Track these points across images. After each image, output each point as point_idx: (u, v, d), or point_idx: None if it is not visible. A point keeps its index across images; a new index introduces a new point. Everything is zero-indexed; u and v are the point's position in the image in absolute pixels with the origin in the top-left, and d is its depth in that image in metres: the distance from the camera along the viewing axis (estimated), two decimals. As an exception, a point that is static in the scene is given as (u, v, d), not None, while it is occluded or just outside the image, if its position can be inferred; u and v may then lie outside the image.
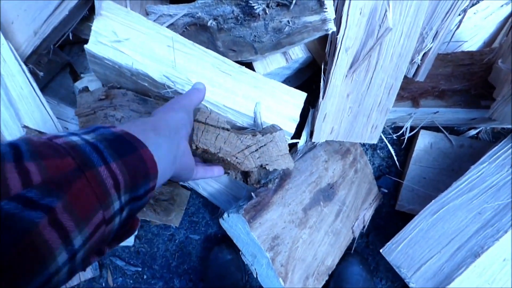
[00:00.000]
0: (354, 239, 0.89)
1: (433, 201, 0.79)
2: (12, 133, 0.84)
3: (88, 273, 1.11)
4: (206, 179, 0.84)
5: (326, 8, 0.62)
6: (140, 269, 1.12)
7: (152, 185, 0.34)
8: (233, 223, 0.74)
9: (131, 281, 1.12)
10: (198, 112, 0.66)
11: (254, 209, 0.73)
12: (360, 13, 0.70)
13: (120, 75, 0.76)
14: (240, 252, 0.78)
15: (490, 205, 0.72)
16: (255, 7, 0.61)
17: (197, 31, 0.75)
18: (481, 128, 0.89)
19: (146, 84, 0.75)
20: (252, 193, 0.75)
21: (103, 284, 1.14)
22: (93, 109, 0.83)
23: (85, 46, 0.71)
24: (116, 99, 0.81)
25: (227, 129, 0.66)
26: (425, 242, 0.77)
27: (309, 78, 1.02)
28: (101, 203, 0.26)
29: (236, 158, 0.66)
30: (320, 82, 0.78)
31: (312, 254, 0.78)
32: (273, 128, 0.70)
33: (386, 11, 0.68)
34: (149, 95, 0.79)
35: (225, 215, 0.75)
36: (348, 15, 0.69)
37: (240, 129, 0.77)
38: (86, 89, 0.91)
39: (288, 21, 0.63)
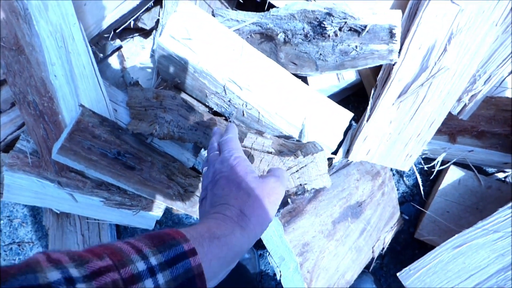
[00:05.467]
0: (372, 258, 0.93)
1: (456, 235, 0.82)
2: (69, 108, 0.89)
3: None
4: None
5: (395, 40, 0.66)
6: (157, 253, 1.16)
7: None
8: (266, 225, 0.78)
9: (147, 264, 1.16)
10: (245, 137, 0.68)
11: (290, 214, 0.77)
12: (419, 48, 0.74)
13: (183, 70, 0.80)
14: (268, 253, 0.82)
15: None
16: (327, 29, 0.65)
17: (262, 39, 0.79)
18: (510, 173, 0.93)
19: (206, 82, 0.80)
20: (288, 199, 0.79)
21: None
22: (144, 107, 0.87)
23: (158, 39, 0.76)
24: (166, 101, 0.85)
25: (271, 153, 0.69)
26: (443, 274, 0.80)
27: (348, 96, 1.06)
28: None
29: None
30: (359, 102, 0.82)
31: (335, 266, 0.82)
32: (314, 148, 0.74)
33: (445, 50, 0.72)
34: (203, 103, 0.83)
35: (260, 216, 0.78)
36: (408, 48, 0.73)
37: (285, 138, 0.82)
38: (136, 83, 0.96)
39: (356, 46, 0.67)
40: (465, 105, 0.79)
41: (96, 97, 0.92)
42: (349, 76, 0.85)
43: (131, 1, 0.91)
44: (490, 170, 0.96)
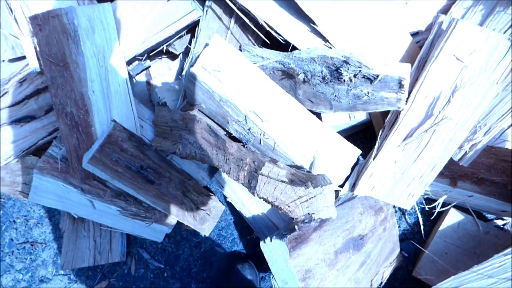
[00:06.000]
0: (370, 291, 0.96)
1: (452, 277, 0.85)
2: (101, 121, 0.97)
3: (116, 257, 1.20)
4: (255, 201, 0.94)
5: (404, 91, 0.73)
6: (162, 266, 1.21)
7: None
8: (273, 248, 0.83)
9: (152, 275, 1.21)
10: (263, 166, 0.75)
11: (296, 240, 0.82)
12: (426, 97, 0.81)
13: (210, 98, 0.89)
14: (271, 276, 0.86)
15: (506, 293, 0.79)
16: (343, 75, 0.73)
17: (283, 76, 0.87)
18: (509, 221, 0.97)
19: (229, 110, 0.88)
20: (296, 226, 0.84)
21: (125, 271, 1.23)
22: (169, 127, 0.95)
23: (191, 69, 0.85)
24: (191, 124, 0.93)
25: (285, 182, 0.76)
26: (438, 312, 0.83)
27: (357, 133, 1.13)
28: None
29: (289, 206, 0.76)
30: (366, 139, 0.88)
31: (334, 295, 0.85)
32: (324, 181, 0.80)
33: (449, 101, 0.79)
34: (224, 128, 0.91)
35: (268, 239, 0.84)
36: (416, 96, 0.81)
37: (297, 168, 0.88)
38: (164, 104, 1.05)
39: (368, 92, 0.75)
40: (466, 153, 0.85)
41: (126, 113, 1.01)
42: (359, 116, 0.92)
43: (168, 31, 1.01)
44: (489, 216, 1.00)
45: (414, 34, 0.85)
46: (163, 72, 1.29)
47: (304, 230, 0.84)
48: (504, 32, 0.78)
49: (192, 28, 1.08)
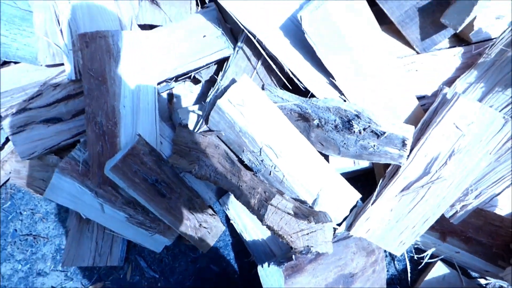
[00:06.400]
0: (354, 330, 1.01)
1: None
2: (127, 134, 1.06)
3: (114, 261, 1.25)
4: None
5: (406, 149, 0.82)
6: (157, 276, 1.26)
7: None
8: (270, 273, 0.89)
9: (146, 283, 1.25)
10: (273, 197, 0.83)
11: (292, 269, 0.88)
12: (425, 156, 0.90)
13: (230, 127, 0.97)
14: (263, 300, 0.92)
15: None
16: (354, 126, 0.82)
17: (298, 118, 0.96)
18: (491, 283, 1.03)
19: (247, 141, 0.96)
20: (293, 256, 0.90)
21: (121, 276, 1.28)
22: (188, 147, 1.03)
23: (218, 100, 0.94)
24: (209, 148, 1.01)
25: (290, 214, 0.83)
26: None
27: (359, 176, 1.20)
28: None
29: (291, 237, 0.83)
30: (367, 183, 0.95)
31: (320, 328, 0.91)
32: (324, 218, 0.87)
33: (445, 163, 0.87)
34: (238, 155, 0.99)
35: (266, 264, 0.90)
36: (416, 154, 0.89)
37: (301, 202, 0.95)
38: (186, 125, 1.14)
39: (374, 145, 0.83)
40: (456, 212, 0.92)
41: (150, 129, 1.10)
42: (363, 163, 1.00)
43: (199, 62, 1.10)
44: (473, 274, 1.06)
45: (420, 98, 0.95)
46: (185, 94, 1.38)
47: (300, 261, 0.90)
48: (501, 110, 0.87)
49: (220, 61, 1.18)
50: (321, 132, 0.91)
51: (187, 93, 1.39)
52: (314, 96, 0.93)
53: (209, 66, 1.22)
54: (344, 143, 0.87)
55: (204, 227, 1.22)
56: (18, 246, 1.40)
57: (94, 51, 1.01)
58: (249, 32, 0.90)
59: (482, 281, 1.05)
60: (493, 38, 0.90)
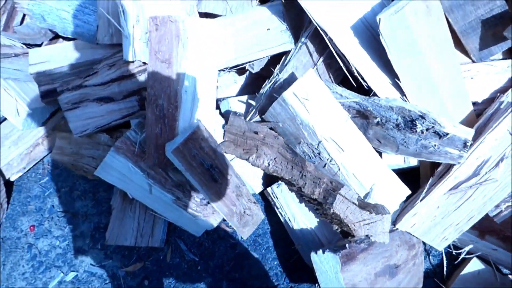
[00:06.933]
0: (394, 318, 1.07)
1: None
2: (185, 119, 1.09)
3: (156, 242, 1.29)
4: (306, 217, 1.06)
5: (467, 150, 0.88)
6: (197, 259, 1.30)
7: None
8: (325, 260, 0.94)
9: (186, 266, 1.29)
10: (342, 187, 0.88)
11: (346, 257, 0.93)
12: (477, 158, 0.96)
13: (291, 119, 1.01)
14: (317, 284, 0.97)
15: None
16: (417, 127, 0.87)
17: (356, 115, 1.01)
18: (521, 278, 1.10)
19: (306, 134, 1.00)
20: (347, 244, 0.96)
21: (161, 257, 1.32)
22: (245, 136, 1.07)
23: (284, 92, 0.98)
24: (268, 138, 1.05)
25: (355, 204, 0.89)
26: None
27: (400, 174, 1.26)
28: None
29: (354, 225, 0.88)
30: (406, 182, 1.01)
31: (369, 313, 0.96)
32: (383, 210, 0.93)
33: (497, 165, 0.93)
34: (296, 145, 1.04)
35: (320, 251, 0.95)
36: (469, 156, 0.95)
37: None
38: (240, 114, 1.18)
39: (435, 145, 0.89)
40: (501, 211, 0.98)
41: (206, 116, 1.13)
42: (413, 162, 1.06)
43: (261, 54, 1.14)
44: (505, 271, 1.13)
45: (473, 103, 1.01)
46: (228, 84, 1.42)
47: (353, 249, 0.96)
48: (553, 119, 0.94)
49: (275, 55, 1.22)
50: (381, 130, 0.96)
51: (231, 83, 1.42)
52: (376, 95, 0.98)
53: (261, 59, 1.25)
54: (405, 142, 0.92)
55: (248, 214, 1.27)
56: (56, 222, 1.42)
57: (163, 34, 1.03)
58: (321, 29, 0.94)
59: (512, 278, 1.12)
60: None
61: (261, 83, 1.37)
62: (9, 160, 1.45)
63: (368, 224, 0.87)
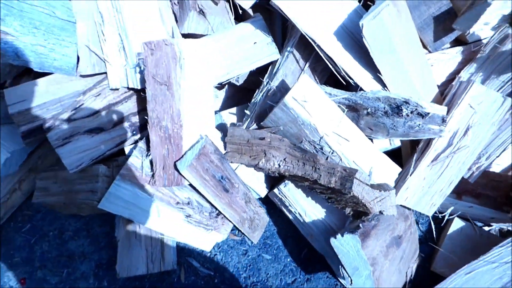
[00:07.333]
0: (405, 282, 1.20)
1: (466, 265, 1.14)
2: (190, 136, 1.12)
3: (168, 265, 1.27)
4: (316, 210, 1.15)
5: (445, 124, 1.05)
6: (212, 273, 1.31)
7: None
8: (345, 242, 1.04)
9: (202, 282, 1.30)
10: (356, 172, 0.99)
11: (362, 235, 1.04)
12: (449, 131, 1.14)
13: (292, 121, 1.11)
14: (340, 266, 1.06)
15: (507, 273, 1.10)
16: (403, 111, 1.03)
17: (347, 109, 1.14)
18: (493, 227, 1.31)
19: (307, 132, 1.10)
20: (360, 224, 1.07)
21: (175, 279, 1.30)
22: (250, 144, 1.13)
23: (284, 98, 1.07)
24: (274, 142, 1.13)
25: (368, 185, 1.00)
26: (460, 293, 1.10)
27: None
28: None
29: (370, 204, 1.00)
30: (390, 160, 1.17)
31: (389, 280, 1.08)
32: (388, 187, 1.06)
33: (465, 134, 1.13)
34: (298, 144, 1.13)
35: (339, 235, 1.05)
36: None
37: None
38: (240, 125, 1.24)
39: (419, 124, 1.05)
40: (473, 172, 1.18)
41: (209, 130, 1.17)
42: (397, 143, 1.22)
43: (250, 67, 1.21)
44: (479, 224, 1.34)
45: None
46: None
47: (366, 228, 1.07)
48: (497, 91, 1.16)
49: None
50: (371, 119, 1.09)
51: (213, 98, 1.47)
52: (362, 89, 1.12)
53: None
54: (394, 125, 1.07)
55: (256, 219, 1.32)
56: (51, 269, 1.32)
57: (160, 58, 1.06)
58: (310, 38, 1.05)
59: (486, 228, 1.33)
60: (485, 38, 1.20)
61: (242, 95, 1.45)
62: (-15, 211, 1.32)
63: (380, 200, 0.99)
